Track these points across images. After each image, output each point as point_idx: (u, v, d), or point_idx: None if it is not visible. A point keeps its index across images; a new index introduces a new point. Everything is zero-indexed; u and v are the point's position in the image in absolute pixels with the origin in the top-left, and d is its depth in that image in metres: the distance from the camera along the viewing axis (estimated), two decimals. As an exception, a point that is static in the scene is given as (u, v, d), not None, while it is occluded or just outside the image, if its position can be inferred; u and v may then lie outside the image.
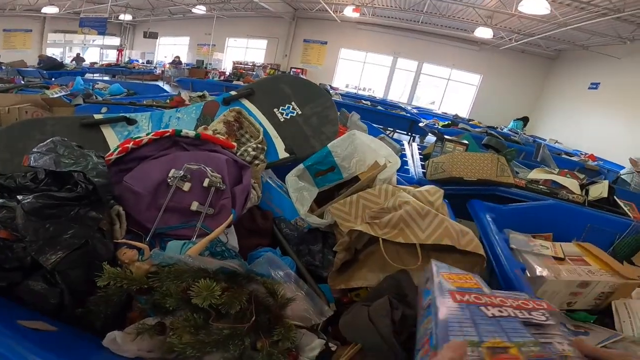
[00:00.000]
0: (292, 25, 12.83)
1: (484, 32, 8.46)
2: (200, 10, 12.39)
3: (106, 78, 6.99)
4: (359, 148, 1.32)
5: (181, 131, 1.04)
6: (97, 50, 15.47)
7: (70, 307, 0.71)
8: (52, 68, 7.95)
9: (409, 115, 5.56)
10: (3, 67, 9.34)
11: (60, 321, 0.71)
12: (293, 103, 1.57)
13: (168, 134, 1.02)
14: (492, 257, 1.15)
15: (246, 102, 1.52)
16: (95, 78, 5.83)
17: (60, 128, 1.18)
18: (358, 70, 12.59)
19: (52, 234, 0.68)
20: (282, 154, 1.42)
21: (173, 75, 10.62)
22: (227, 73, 12.76)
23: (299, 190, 1.21)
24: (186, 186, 0.92)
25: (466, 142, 2.16)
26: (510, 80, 10.77)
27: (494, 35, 8.90)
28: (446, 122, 5.29)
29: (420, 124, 4.62)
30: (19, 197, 0.72)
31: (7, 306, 0.68)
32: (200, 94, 2.97)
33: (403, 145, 2.45)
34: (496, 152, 2.26)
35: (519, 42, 9.23)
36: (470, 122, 6.36)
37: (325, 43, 12.56)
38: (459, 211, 1.45)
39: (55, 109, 2.12)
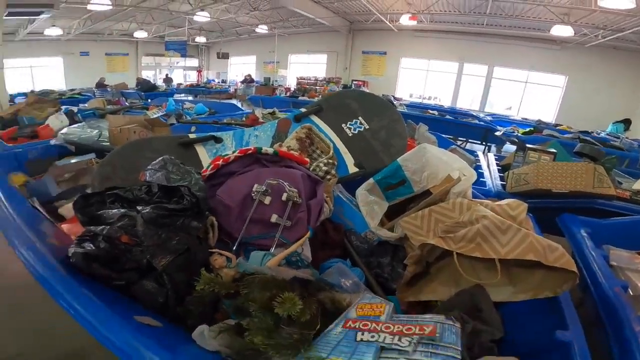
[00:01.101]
0: (349, 38, 13.07)
1: (562, 30, 7.62)
2: (262, 29, 13.40)
3: (190, 98, 7.90)
4: (431, 161, 1.29)
5: (261, 149, 1.14)
6: (181, 71, 17.63)
7: (172, 306, 0.82)
8: (147, 90, 9.25)
9: (482, 123, 5.17)
10: (109, 89, 11.22)
11: (160, 317, 0.81)
12: (360, 118, 1.60)
13: (250, 151, 1.13)
14: (587, 274, 1.08)
15: (315, 119, 1.60)
16: (182, 98, 6.64)
17: (163, 146, 1.38)
18: (421, 78, 12.22)
19: (163, 240, 0.80)
20: (352, 168, 1.45)
21: (244, 93, 11.49)
22: (292, 89, 13.50)
23: (369, 204, 1.22)
24: (267, 200, 1.00)
25: (553, 150, 1.96)
26: (602, 80, 9.38)
27: (575, 33, 7.91)
28: (527, 129, 4.78)
29: (497, 133, 4.26)
30: (139, 208, 0.86)
31: (126, 303, 0.80)
32: (270, 111, 3.19)
33: (477, 156, 2.31)
34: (592, 161, 2.00)
35: (607, 39, 8.06)
36: (558, 128, 5.67)
37: (385, 53, 12.49)
38: (546, 226, 1.33)
39: (155, 128, 2.48)
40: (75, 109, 3.59)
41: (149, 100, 6.25)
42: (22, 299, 1.71)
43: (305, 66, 14.86)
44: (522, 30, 9.59)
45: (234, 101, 7.07)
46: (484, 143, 4.73)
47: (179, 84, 13.23)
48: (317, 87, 13.35)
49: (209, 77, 15.67)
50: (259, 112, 2.98)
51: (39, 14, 6.68)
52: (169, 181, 0.87)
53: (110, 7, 8.85)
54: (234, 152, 1.13)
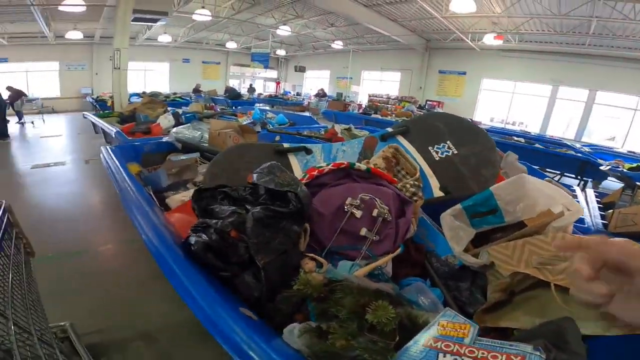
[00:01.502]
0: (425, 57, 12.74)
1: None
2: (338, 45, 13.82)
3: (267, 107, 8.58)
4: (530, 193, 1.21)
5: (354, 164, 1.20)
6: (262, 82, 19.08)
7: (264, 301, 0.89)
8: (234, 97, 10.32)
9: (580, 154, 4.58)
10: (202, 95, 12.67)
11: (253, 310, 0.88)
12: (449, 142, 1.57)
13: (343, 166, 1.20)
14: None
15: (402, 139, 1.62)
16: (262, 107, 7.25)
17: (261, 153, 1.53)
18: (505, 102, 11.28)
19: (267, 239, 0.90)
20: (437, 192, 1.43)
21: (316, 106, 11.90)
22: (363, 105, 13.65)
23: (455, 229, 1.20)
24: (358, 213, 1.05)
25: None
26: None
27: None
28: (635, 164, 4.11)
29: (603, 167, 3.74)
30: (248, 207, 0.97)
31: (227, 294, 0.88)
32: (347, 127, 3.29)
33: (574, 190, 2.08)
34: None
35: None
36: (674, 164, 4.75)
37: (464, 73, 11.88)
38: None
39: (245, 134, 2.75)
40: (180, 110, 4.17)
41: (238, 108, 6.93)
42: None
43: (378, 83, 14.90)
44: (634, 52, 8.32)
45: (306, 113, 7.44)
46: (579, 177, 4.18)
47: (260, 94, 14.33)
48: (389, 106, 13.29)
49: (286, 89, 16.67)
50: (338, 127, 3.11)
51: (156, 20, 7.89)
52: (277, 186, 0.97)
53: (210, 18, 10.07)
54: (327, 164, 1.21)
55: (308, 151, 1.55)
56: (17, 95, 8.50)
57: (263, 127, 3.36)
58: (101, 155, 2.33)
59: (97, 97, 10.32)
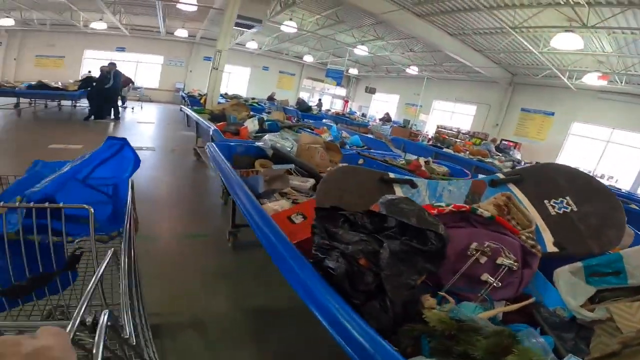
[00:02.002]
0: (507, 92, 12.01)
1: None
2: (413, 70, 13.65)
3: (332, 124, 8.78)
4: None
5: (476, 209, 1.19)
6: (329, 98, 19.62)
7: (389, 331, 0.91)
8: (304, 110, 10.79)
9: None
10: (275, 103, 13.42)
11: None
12: (568, 198, 1.47)
13: (465, 209, 1.19)
14: None
15: (514, 188, 1.56)
16: (327, 123, 7.47)
17: (367, 179, 1.59)
18: (596, 150, 10.04)
19: (400, 273, 0.93)
20: (550, 247, 1.36)
21: (379, 130, 11.53)
22: (429, 136, 13.25)
23: (572, 285, 1.20)
24: (482, 259, 1.04)
25: None
26: None
27: None
28: None
29: None
30: (378, 237, 1.01)
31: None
32: (425, 159, 3.24)
33: None
34: None
35: None
36: None
37: (552, 114, 10.91)
38: None
39: (330, 152, 2.87)
40: (264, 116, 4.49)
41: (306, 120, 7.24)
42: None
43: (449, 114, 14.39)
44: None
45: (369, 136, 7.43)
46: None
47: (327, 110, 14.73)
48: (458, 140, 12.75)
49: (352, 108, 16.93)
50: (421, 160, 3.09)
51: (250, 27, 8.63)
52: (417, 222, 1.00)
53: (295, 30, 10.75)
54: (447, 205, 1.22)
55: (413, 185, 1.57)
56: (126, 82, 9.89)
57: (342, 146, 3.46)
58: (207, 149, 2.62)
59: (188, 92, 11.54)
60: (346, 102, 15.73)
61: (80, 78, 9.66)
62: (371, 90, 15.22)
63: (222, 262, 2.31)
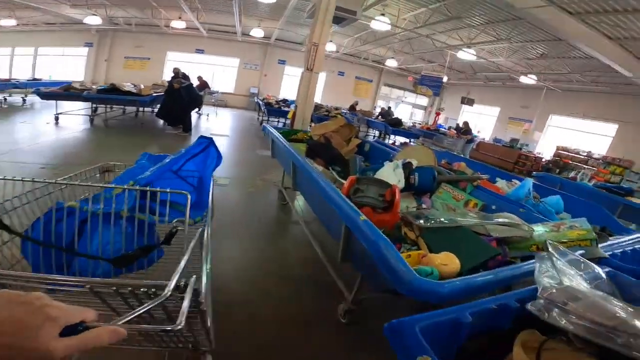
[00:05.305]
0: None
1: None
2: (530, 79, 10.95)
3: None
4: None
5: None
6: (408, 107, 17.54)
7: None
8: (394, 124, 8.99)
9: None
10: (357, 114, 11.85)
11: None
12: None
13: None
14: None
15: None
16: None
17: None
18: None
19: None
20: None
21: (461, 149, 9.08)
22: (544, 160, 10.59)
23: None
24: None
25: None
26: None
27: None
28: None
29: None
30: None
31: None
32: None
33: None
34: None
35: None
36: None
37: None
38: None
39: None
40: (414, 163, 2.84)
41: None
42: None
43: (572, 134, 11.42)
44: None
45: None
46: None
47: (414, 124, 12.74)
48: (586, 166, 9.96)
49: (439, 123, 14.62)
50: None
51: (341, 21, 6.97)
52: None
53: (389, 27, 8.99)
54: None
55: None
56: (203, 86, 9.20)
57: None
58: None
59: (264, 99, 10.61)
60: (438, 114, 13.25)
61: (161, 81, 9.25)
62: (469, 102, 12.59)
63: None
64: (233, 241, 2.82)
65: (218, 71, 13.66)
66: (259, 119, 10.21)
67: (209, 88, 10.02)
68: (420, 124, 13.15)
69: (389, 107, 14.40)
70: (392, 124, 8.87)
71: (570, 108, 11.18)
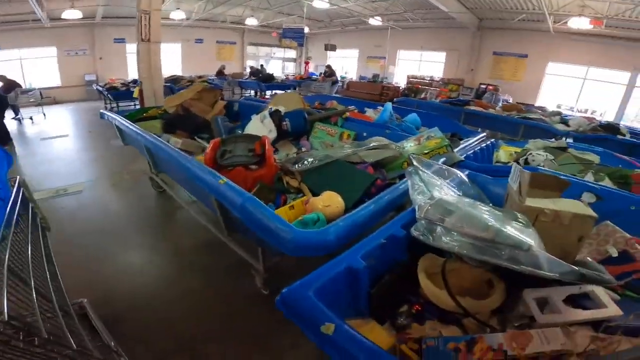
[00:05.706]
0: (475, 37, 11.22)
1: None
2: (376, 21, 12.08)
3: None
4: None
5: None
6: (279, 62, 17.30)
7: None
8: (266, 80, 8.65)
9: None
10: (227, 78, 10.92)
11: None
12: None
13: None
14: None
15: None
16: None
17: None
18: (574, 87, 9.91)
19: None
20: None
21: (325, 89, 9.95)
22: (401, 88, 12.10)
23: None
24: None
25: None
26: None
27: None
28: None
29: None
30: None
31: None
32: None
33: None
34: None
35: None
36: None
37: (525, 56, 10.43)
38: None
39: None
40: (272, 107, 2.70)
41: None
42: None
43: (417, 64, 13.27)
44: None
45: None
46: None
47: (287, 76, 12.64)
48: (431, 88, 11.83)
49: (310, 71, 14.91)
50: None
51: None
52: None
53: None
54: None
55: None
56: (9, 86, 6.87)
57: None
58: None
59: (106, 84, 8.70)
60: (307, 63, 13.47)
61: None
62: (332, 48, 13.09)
63: None
64: (117, 248, 2.37)
65: (28, 65, 10.47)
66: (107, 107, 8.45)
67: (20, 87, 7.59)
68: (293, 75, 13.16)
69: (262, 65, 13.87)
70: (264, 80, 8.57)
71: (411, 43, 12.91)
